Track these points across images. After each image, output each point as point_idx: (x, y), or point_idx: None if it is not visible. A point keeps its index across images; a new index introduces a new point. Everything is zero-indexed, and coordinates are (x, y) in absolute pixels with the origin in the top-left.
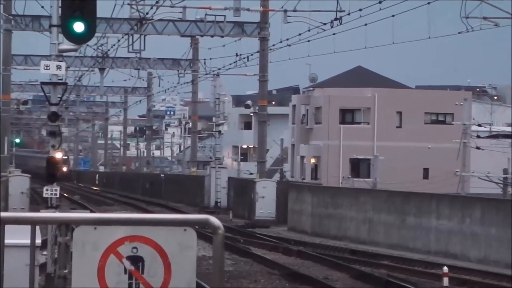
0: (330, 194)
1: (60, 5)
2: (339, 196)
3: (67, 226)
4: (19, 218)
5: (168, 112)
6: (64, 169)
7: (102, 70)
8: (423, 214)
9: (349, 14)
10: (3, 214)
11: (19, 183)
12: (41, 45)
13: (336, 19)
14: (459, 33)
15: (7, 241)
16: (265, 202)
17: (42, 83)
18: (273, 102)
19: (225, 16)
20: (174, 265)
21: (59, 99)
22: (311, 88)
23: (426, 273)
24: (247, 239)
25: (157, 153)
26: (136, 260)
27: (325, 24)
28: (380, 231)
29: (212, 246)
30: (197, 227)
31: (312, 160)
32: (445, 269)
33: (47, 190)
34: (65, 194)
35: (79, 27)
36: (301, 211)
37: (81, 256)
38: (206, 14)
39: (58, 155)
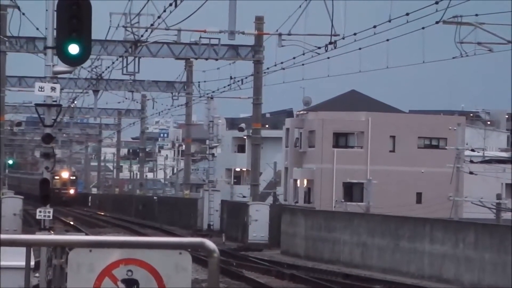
0: (324, 218)
1: (55, 27)
2: (333, 219)
3: (62, 248)
4: (15, 240)
5: (162, 135)
6: (72, 191)
7: (96, 92)
8: (417, 238)
9: (343, 38)
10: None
11: (11, 204)
12: (35, 67)
13: (330, 43)
14: (453, 58)
15: (1, 263)
16: (258, 225)
17: (36, 104)
18: (267, 125)
19: (219, 39)
20: None
21: (53, 121)
22: (305, 112)
23: None
24: (240, 262)
25: (150, 175)
26: (131, 283)
27: (319, 48)
28: (373, 255)
29: (208, 269)
30: (189, 250)
31: (305, 184)
32: None
33: (40, 212)
34: (57, 216)
35: (74, 49)
36: (294, 235)
37: (76, 278)
38: (200, 37)
39: (65, 174)
